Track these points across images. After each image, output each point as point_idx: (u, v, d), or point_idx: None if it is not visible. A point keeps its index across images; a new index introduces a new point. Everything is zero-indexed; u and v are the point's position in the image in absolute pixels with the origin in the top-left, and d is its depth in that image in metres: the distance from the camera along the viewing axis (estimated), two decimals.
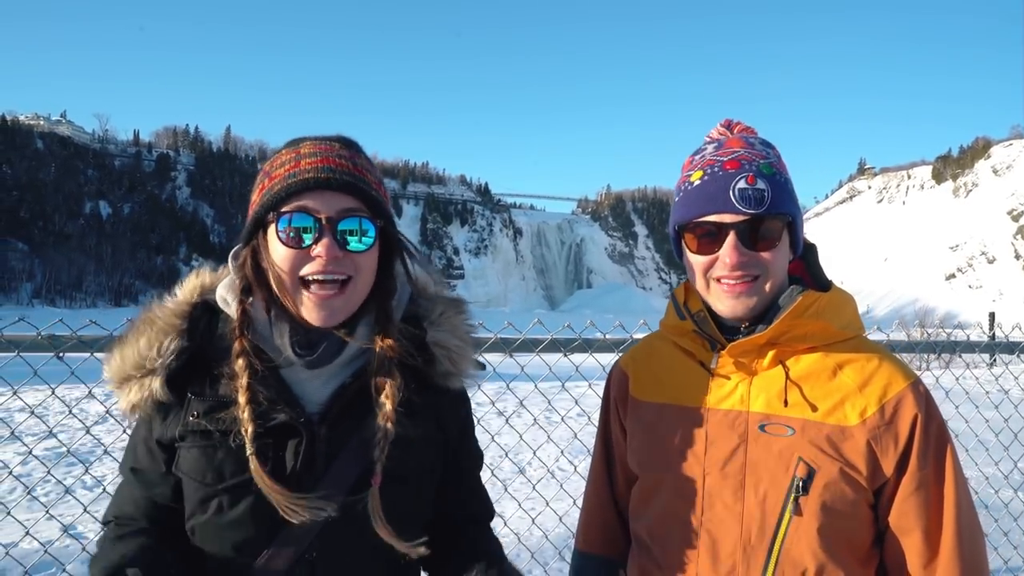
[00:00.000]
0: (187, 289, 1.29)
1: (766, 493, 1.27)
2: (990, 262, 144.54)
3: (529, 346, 2.76)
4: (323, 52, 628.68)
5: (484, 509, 1.47)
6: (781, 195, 1.29)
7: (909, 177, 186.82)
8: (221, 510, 1.19)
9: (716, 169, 1.30)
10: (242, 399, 1.17)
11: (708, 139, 1.41)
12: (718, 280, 1.31)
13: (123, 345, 1.22)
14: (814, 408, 1.27)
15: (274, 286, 1.20)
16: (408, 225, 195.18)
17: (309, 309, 1.19)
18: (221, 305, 1.27)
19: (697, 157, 1.37)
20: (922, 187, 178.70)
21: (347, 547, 1.22)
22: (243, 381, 1.17)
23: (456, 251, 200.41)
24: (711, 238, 1.30)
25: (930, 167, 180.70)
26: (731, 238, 1.27)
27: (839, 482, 1.24)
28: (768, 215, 1.27)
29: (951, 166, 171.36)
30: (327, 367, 1.23)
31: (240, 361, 1.18)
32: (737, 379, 1.34)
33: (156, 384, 1.18)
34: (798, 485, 1.24)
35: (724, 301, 1.31)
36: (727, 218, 1.27)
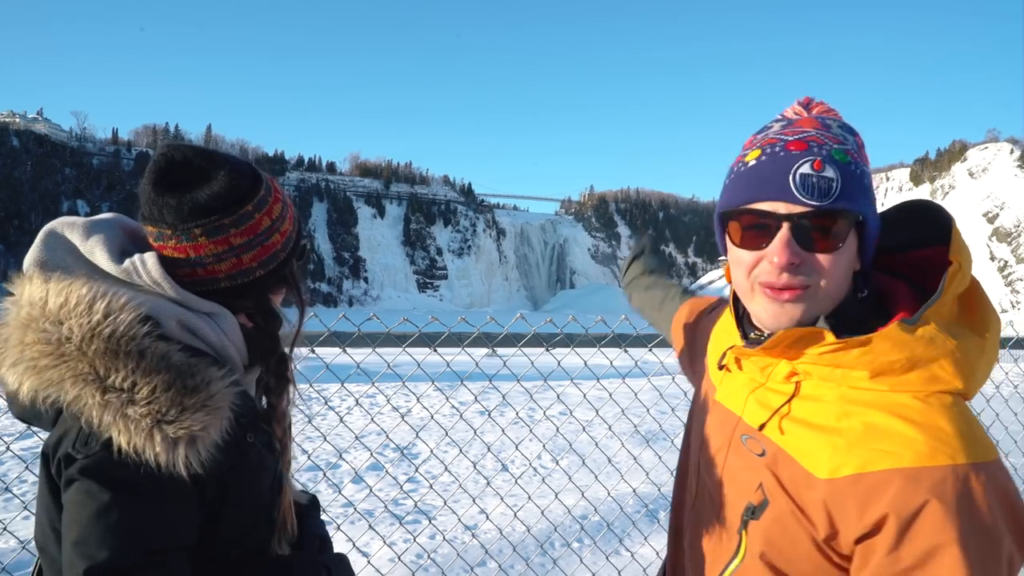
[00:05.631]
0: (137, 317, 1.08)
1: (734, 502, 1.18)
2: None
3: (511, 340, 2.77)
4: (303, 53, 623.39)
5: None
6: (853, 188, 1.04)
7: (888, 179, 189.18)
8: (270, 514, 1.26)
9: (777, 149, 1.07)
10: (280, 414, 1.30)
11: (778, 118, 1.18)
12: (763, 284, 1.09)
13: (207, 393, 1.07)
14: (794, 441, 1.09)
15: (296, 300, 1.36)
16: (391, 225, 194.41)
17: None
18: (179, 335, 1.14)
19: (759, 135, 1.15)
20: (900, 189, 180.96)
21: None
22: (285, 401, 1.30)
23: (439, 251, 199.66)
24: (760, 231, 1.07)
25: (908, 169, 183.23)
26: (783, 232, 1.04)
27: (789, 523, 1.06)
28: (833, 210, 1.03)
29: (928, 168, 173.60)
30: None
31: (259, 375, 1.29)
32: (743, 380, 1.23)
33: (228, 422, 1.10)
34: (751, 510, 1.12)
35: (767, 309, 1.10)
36: (782, 208, 1.04)
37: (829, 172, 1.02)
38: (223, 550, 1.16)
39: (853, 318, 1.09)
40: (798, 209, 1.03)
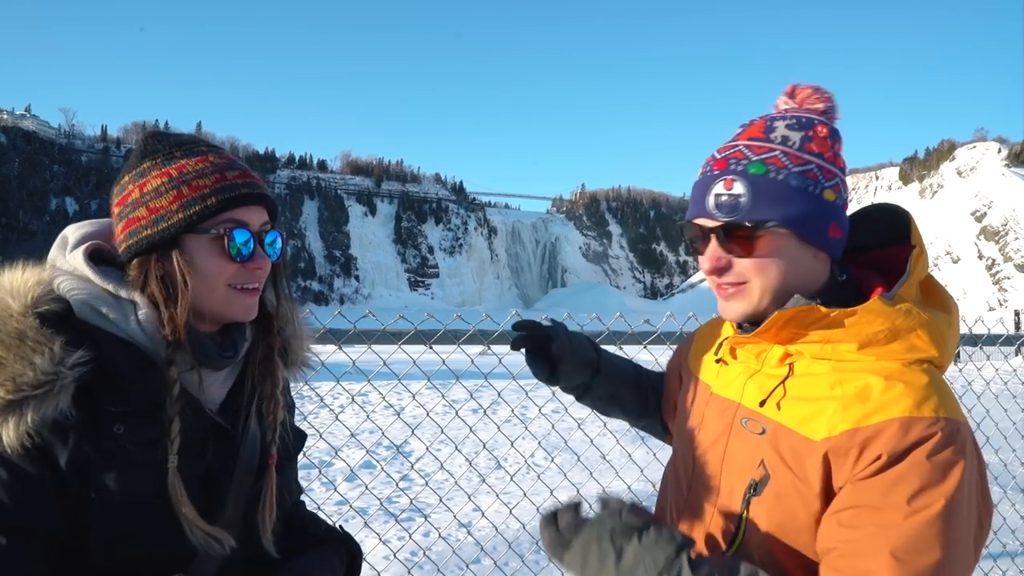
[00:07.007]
0: (31, 295, 1.08)
1: (733, 487, 1.24)
2: (955, 262, 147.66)
3: (507, 338, 2.78)
4: (297, 51, 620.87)
5: (299, 487, 1.53)
6: (763, 199, 1.16)
7: (877, 178, 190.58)
8: (151, 529, 1.12)
9: (708, 168, 1.24)
10: (173, 409, 1.12)
11: (755, 119, 1.29)
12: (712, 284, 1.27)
13: (22, 368, 1.01)
14: (791, 414, 1.18)
15: (201, 292, 1.17)
16: (382, 224, 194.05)
17: (236, 306, 1.21)
18: (88, 316, 1.11)
19: (721, 144, 1.28)
20: (890, 188, 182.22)
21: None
22: (175, 391, 1.13)
23: (431, 250, 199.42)
24: (699, 241, 1.25)
25: (897, 168, 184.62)
26: (710, 243, 1.22)
27: (790, 496, 1.14)
28: (741, 223, 1.17)
29: (917, 168, 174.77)
30: (230, 367, 1.25)
31: (172, 370, 1.13)
32: (739, 369, 1.32)
33: (64, 401, 1.03)
34: (753, 486, 1.19)
35: (719, 304, 1.27)
36: (707, 223, 1.21)
37: (739, 188, 1.17)
38: (104, 550, 1.09)
39: (838, 299, 1.19)
40: (715, 224, 1.20)
